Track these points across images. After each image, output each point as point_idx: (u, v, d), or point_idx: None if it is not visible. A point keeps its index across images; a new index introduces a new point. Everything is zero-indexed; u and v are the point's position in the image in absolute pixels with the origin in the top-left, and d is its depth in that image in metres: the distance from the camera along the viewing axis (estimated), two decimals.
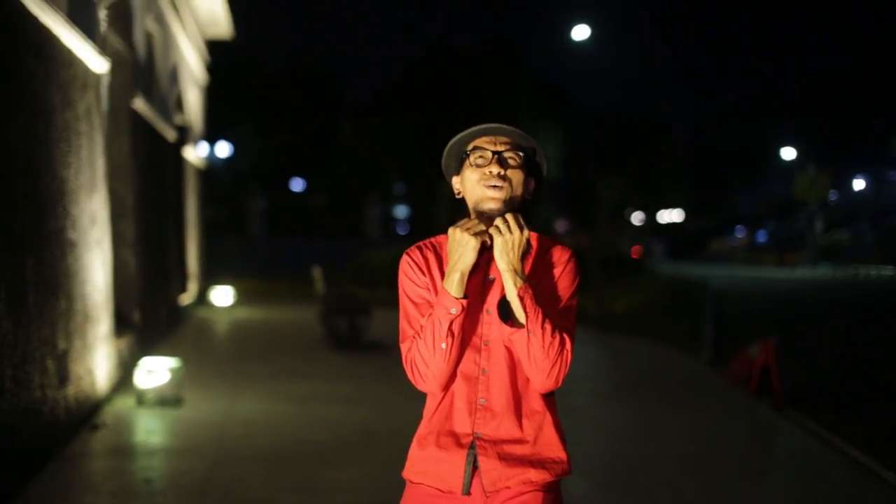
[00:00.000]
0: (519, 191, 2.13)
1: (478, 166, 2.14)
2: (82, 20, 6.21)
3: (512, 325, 2.06)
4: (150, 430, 6.22)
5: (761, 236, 54.91)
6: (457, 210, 2.24)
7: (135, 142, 8.79)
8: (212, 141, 26.88)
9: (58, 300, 5.49)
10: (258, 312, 14.78)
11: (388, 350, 10.17)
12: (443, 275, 2.13)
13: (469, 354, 2.12)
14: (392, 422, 6.55)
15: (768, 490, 5.18)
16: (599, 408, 7.40)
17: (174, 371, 6.85)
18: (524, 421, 2.11)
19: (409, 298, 2.17)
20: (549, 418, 2.13)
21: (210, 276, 17.24)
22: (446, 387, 2.12)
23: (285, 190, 42.85)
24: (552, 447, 2.12)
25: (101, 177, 6.81)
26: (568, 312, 2.13)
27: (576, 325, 2.15)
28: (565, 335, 2.06)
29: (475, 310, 2.12)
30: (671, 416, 7.20)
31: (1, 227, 4.50)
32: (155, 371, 6.79)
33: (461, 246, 2.03)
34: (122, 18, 8.34)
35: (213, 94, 18.43)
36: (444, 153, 2.22)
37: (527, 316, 2.02)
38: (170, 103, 11.57)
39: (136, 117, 8.90)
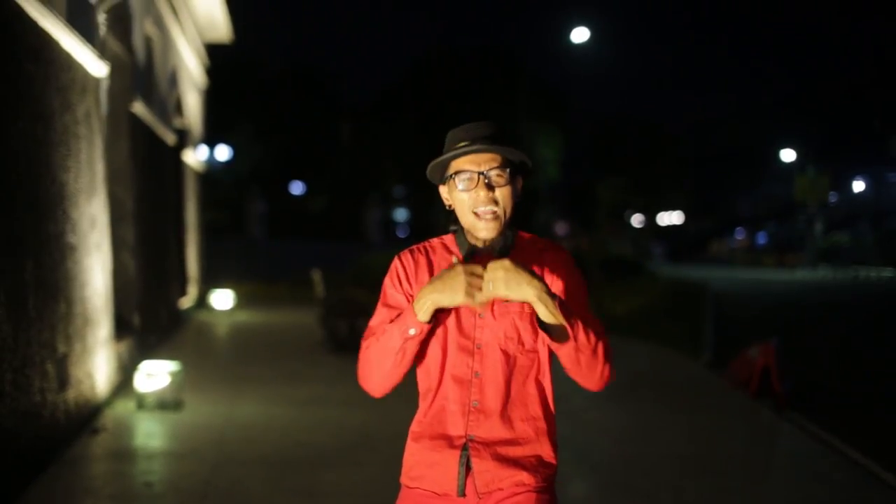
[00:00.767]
0: (510, 204, 2.08)
1: (465, 190, 2.08)
2: (81, 24, 6.22)
3: (550, 336, 2.00)
4: (150, 433, 6.22)
5: (761, 238, 54.92)
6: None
7: (134, 145, 8.79)
8: (211, 144, 26.86)
9: (57, 304, 5.49)
10: (258, 316, 14.78)
11: None
12: (430, 276, 2.11)
13: (461, 358, 2.10)
14: (392, 425, 6.53)
15: (768, 492, 5.18)
16: (600, 409, 7.39)
17: (174, 374, 6.85)
18: (517, 423, 2.11)
19: (386, 301, 2.16)
20: (542, 421, 2.13)
21: (210, 280, 17.25)
22: (387, 392, 2.12)
23: (285, 193, 42.85)
24: (544, 449, 2.12)
25: (100, 180, 6.81)
26: (589, 307, 2.12)
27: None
28: (600, 329, 2.03)
29: (467, 314, 2.11)
30: (671, 418, 7.20)
31: (0, 230, 4.50)
32: (155, 374, 6.79)
33: (452, 288, 1.94)
34: (121, 22, 8.34)
35: (213, 97, 18.46)
36: (428, 171, 2.15)
37: (569, 328, 1.96)
38: (169, 107, 11.57)
39: (136, 121, 8.90)
